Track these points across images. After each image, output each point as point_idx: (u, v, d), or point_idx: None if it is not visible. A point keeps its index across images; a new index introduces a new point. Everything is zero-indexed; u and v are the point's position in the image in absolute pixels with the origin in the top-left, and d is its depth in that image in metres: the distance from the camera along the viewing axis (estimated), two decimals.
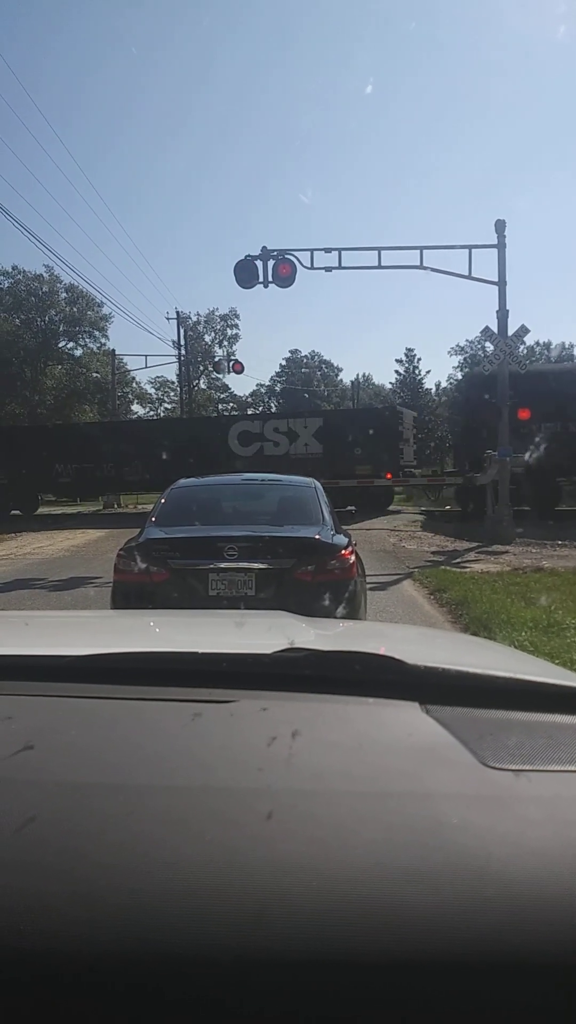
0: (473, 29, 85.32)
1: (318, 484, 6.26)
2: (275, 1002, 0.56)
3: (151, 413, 54.69)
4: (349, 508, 6.81)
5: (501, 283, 14.52)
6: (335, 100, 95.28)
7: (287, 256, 14.14)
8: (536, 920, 0.59)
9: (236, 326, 58.39)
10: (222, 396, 62.89)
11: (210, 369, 51.83)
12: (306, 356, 74.22)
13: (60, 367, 49.96)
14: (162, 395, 56.73)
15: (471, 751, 0.84)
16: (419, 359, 64.27)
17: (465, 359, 60.68)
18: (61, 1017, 0.55)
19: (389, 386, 65.85)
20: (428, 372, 57.14)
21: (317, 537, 5.15)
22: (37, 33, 76.39)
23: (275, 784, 0.77)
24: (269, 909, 0.59)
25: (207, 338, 57.86)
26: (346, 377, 71.85)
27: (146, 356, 68.19)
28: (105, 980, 0.56)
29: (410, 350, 64.72)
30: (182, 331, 42.81)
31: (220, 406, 60.80)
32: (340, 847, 0.66)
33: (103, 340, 51.09)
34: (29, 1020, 0.55)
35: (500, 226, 14.55)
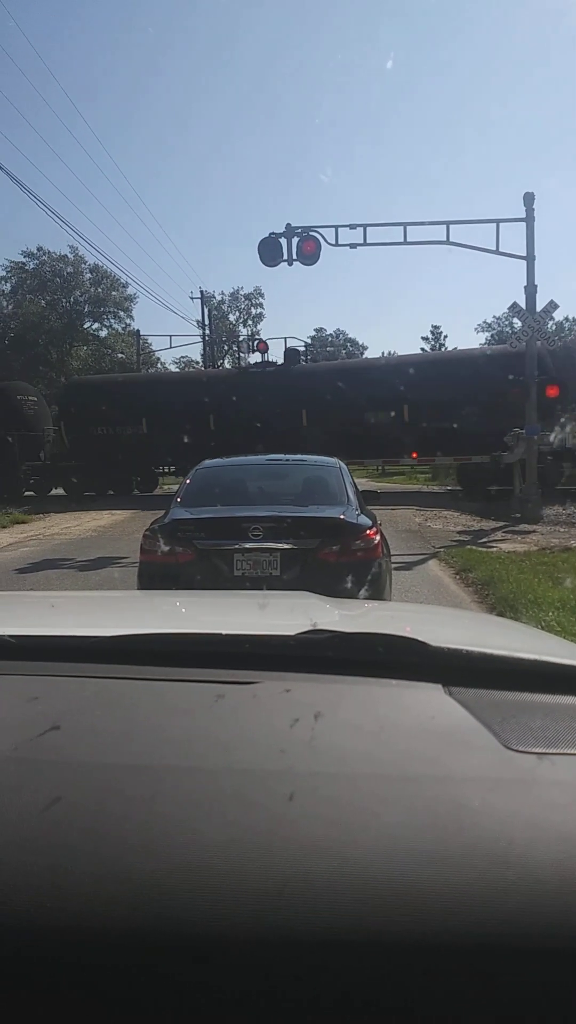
0: (501, 4, 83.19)
1: (343, 464, 6.23)
2: (294, 981, 0.56)
3: None
4: (374, 489, 6.79)
5: (529, 258, 14.24)
6: (359, 76, 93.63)
7: (311, 233, 13.98)
8: (558, 904, 0.59)
9: (261, 305, 58.13)
10: None
11: (235, 349, 51.72)
12: (331, 334, 73.76)
13: (85, 348, 50.16)
14: None
15: (494, 734, 0.84)
16: (445, 336, 63.61)
17: (492, 335, 59.89)
18: (84, 992, 0.56)
19: None
20: (455, 349, 56.37)
21: (342, 517, 5.14)
22: (58, 9, 75.86)
23: (297, 766, 0.77)
24: (290, 890, 0.60)
25: (231, 317, 57.68)
26: (371, 355, 71.35)
27: (171, 336, 68.08)
28: (128, 957, 0.57)
29: (436, 327, 64.08)
30: (206, 310, 42.73)
31: None
32: (362, 829, 0.66)
33: (128, 320, 51.20)
34: (53, 994, 0.56)
35: (528, 199, 14.24)
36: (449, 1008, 0.56)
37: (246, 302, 57.66)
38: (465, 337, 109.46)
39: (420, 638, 1.07)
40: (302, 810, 0.69)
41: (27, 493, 23.53)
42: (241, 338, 50.10)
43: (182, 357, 54.58)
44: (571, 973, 0.57)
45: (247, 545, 4.97)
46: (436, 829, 0.66)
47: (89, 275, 49.74)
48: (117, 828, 0.67)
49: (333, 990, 0.56)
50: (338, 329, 74.40)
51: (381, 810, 0.69)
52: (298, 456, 6.99)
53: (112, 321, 51.61)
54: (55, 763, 0.79)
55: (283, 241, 13.95)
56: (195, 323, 45.17)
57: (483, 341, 60.61)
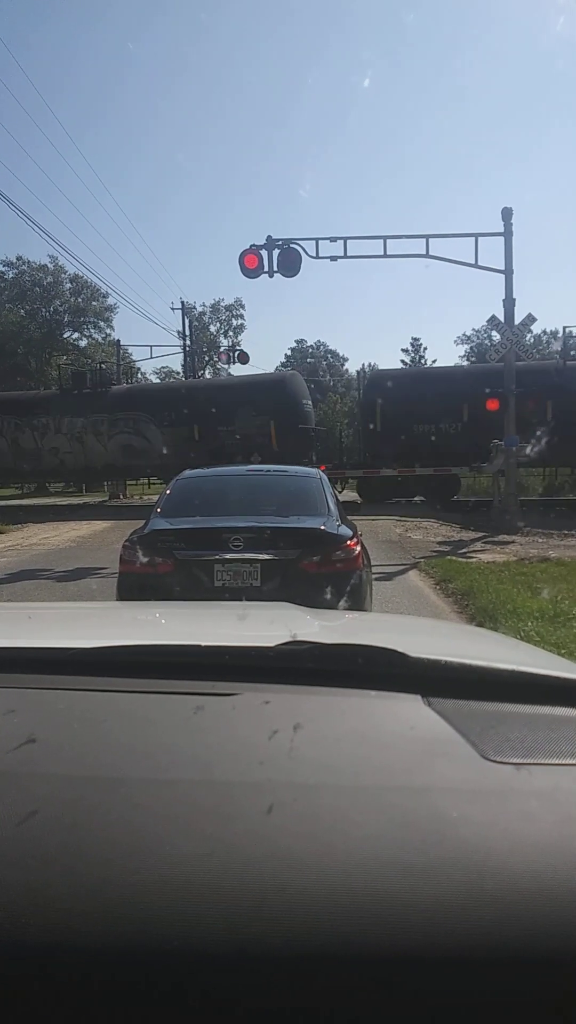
0: (476, 18, 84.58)
1: (323, 475, 6.25)
2: (273, 995, 0.56)
3: None
4: (354, 499, 6.81)
5: (508, 271, 14.44)
6: (339, 90, 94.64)
7: (292, 245, 14.06)
8: (536, 914, 0.59)
9: (241, 316, 58.31)
10: None
11: (215, 359, 51.72)
12: (311, 346, 74.08)
13: (65, 357, 49.95)
14: None
15: (472, 744, 0.84)
16: (425, 348, 63.96)
17: (471, 348, 60.44)
18: (61, 1009, 0.56)
19: None
20: (434, 361, 56.64)
21: (322, 528, 5.15)
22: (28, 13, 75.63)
23: (276, 778, 0.77)
24: (268, 902, 0.60)
25: (212, 328, 57.78)
26: (351, 367, 71.50)
27: (151, 347, 68.05)
28: (104, 972, 0.56)
29: (416, 339, 64.45)
30: (187, 321, 42.72)
31: None
32: (341, 841, 0.66)
33: (108, 330, 51.15)
34: (30, 1012, 0.56)
35: (507, 214, 14.45)
36: (430, 1019, 0.56)
37: (227, 313, 57.86)
38: (445, 350, 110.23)
39: (399, 649, 1.07)
40: (281, 822, 0.69)
41: None
42: (222, 349, 50.17)
43: (162, 367, 54.56)
44: (549, 983, 0.57)
45: (227, 556, 4.96)
46: (415, 840, 0.66)
47: (69, 285, 49.69)
48: (94, 842, 0.66)
49: (312, 1003, 0.55)
50: (319, 341, 74.80)
51: (360, 821, 0.69)
52: (278, 467, 7.01)
53: (92, 331, 51.58)
54: (31, 776, 0.78)
55: (264, 253, 14.02)
56: (176, 334, 45.20)
57: (462, 354, 61.22)
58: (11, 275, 49.49)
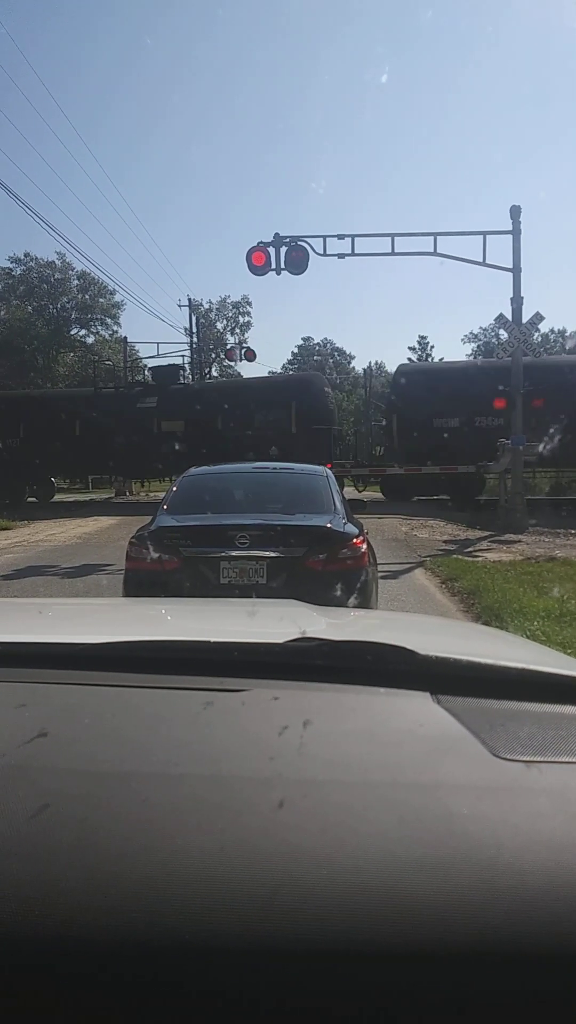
0: (490, 16, 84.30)
1: (330, 473, 6.26)
2: (283, 990, 0.56)
3: None
4: (360, 498, 6.82)
5: (516, 270, 14.39)
6: (347, 87, 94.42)
7: (299, 243, 14.03)
8: (546, 911, 0.60)
9: (248, 313, 58.19)
10: None
11: (222, 357, 51.71)
12: (318, 343, 73.98)
13: (72, 354, 50.05)
14: None
15: (482, 742, 0.84)
16: (432, 347, 64.01)
17: (479, 347, 60.32)
18: (72, 1002, 0.56)
19: None
20: (441, 360, 56.58)
21: (329, 526, 5.15)
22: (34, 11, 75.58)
23: (286, 773, 0.77)
24: (279, 897, 0.60)
25: (219, 325, 57.73)
26: (358, 365, 71.45)
27: (158, 344, 67.90)
28: (115, 966, 0.57)
29: (423, 337, 64.45)
30: (194, 318, 42.74)
31: None
32: (350, 836, 0.66)
33: (115, 327, 51.19)
34: (42, 1004, 0.56)
35: (515, 212, 14.40)
36: (440, 1016, 0.56)
37: (233, 310, 57.80)
38: (452, 348, 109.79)
39: (408, 646, 1.07)
40: (291, 818, 0.69)
41: None
42: (228, 346, 50.13)
43: (169, 364, 54.53)
44: (560, 979, 0.57)
45: (233, 553, 4.96)
46: (425, 836, 0.67)
47: (77, 281, 49.74)
48: (106, 836, 0.67)
49: (324, 998, 0.56)
50: (325, 338, 74.68)
51: (370, 817, 0.69)
52: (285, 464, 7.01)
53: (99, 328, 51.64)
54: (43, 770, 0.78)
55: (271, 250, 13.99)
56: (183, 331, 45.33)
57: (469, 352, 61.09)
58: (19, 272, 49.59)
